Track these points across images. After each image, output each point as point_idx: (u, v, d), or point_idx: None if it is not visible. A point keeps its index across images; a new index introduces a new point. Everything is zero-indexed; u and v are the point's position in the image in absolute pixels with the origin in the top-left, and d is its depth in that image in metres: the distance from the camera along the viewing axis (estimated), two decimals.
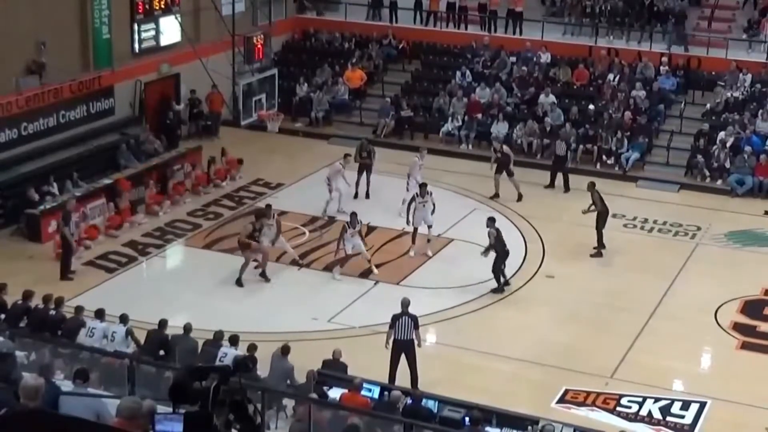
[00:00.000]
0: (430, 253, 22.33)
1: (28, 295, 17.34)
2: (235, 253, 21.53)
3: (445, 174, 26.80)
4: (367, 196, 25.47)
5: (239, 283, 20.77)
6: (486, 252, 20.54)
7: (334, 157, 25.99)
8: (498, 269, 20.58)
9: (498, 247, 20.48)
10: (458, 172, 27.21)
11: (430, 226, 22.45)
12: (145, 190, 24.46)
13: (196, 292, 20.46)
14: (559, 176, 26.28)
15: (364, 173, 25.51)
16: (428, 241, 22.47)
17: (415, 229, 22.37)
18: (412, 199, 22.60)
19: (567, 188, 26.23)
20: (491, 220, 20.90)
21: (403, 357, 16.92)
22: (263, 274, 21.08)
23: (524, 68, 30.65)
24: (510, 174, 25.43)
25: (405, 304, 17.26)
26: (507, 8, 32.21)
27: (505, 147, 25.84)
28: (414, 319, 17.06)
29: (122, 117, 26.98)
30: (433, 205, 22.54)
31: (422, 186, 22.72)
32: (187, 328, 16.74)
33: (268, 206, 22.29)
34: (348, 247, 21.24)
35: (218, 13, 28.84)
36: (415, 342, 16.98)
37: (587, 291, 20.95)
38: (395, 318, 17.03)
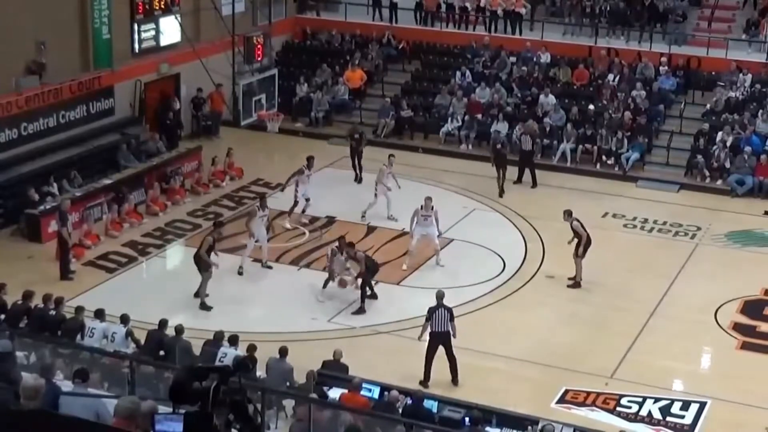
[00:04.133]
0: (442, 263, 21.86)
1: (28, 295, 17.33)
2: (235, 253, 21.53)
3: (445, 174, 26.82)
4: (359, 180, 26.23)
5: (203, 306, 19.61)
6: None
7: (335, 157, 26.03)
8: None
9: None
10: (458, 172, 27.20)
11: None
12: (147, 192, 24.48)
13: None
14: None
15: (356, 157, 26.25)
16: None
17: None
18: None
19: (534, 183, 26.36)
20: None
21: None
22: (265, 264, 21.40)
23: (524, 68, 30.66)
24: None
25: (440, 296, 17.46)
26: (511, 9, 32.22)
27: (575, 223, 21.01)
28: (449, 310, 17.29)
29: (122, 117, 26.97)
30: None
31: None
32: (179, 330, 16.69)
33: (312, 155, 22.58)
34: (256, 233, 21.21)
35: (218, 13, 28.82)
36: (451, 333, 17.16)
37: (587, 291, 20.93)
38: (432, 310, 17.18)
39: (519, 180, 26.53)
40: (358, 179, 26.23)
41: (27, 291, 17.43)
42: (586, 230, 20.83)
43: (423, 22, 33.33)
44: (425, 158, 27.89)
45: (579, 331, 19.41)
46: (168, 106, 28.28)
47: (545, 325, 19.64)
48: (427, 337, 17.32)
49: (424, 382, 17.15)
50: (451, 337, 17.18)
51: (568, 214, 21.13)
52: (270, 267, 21.49)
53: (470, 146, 28.94)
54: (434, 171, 26.95)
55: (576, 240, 20.83)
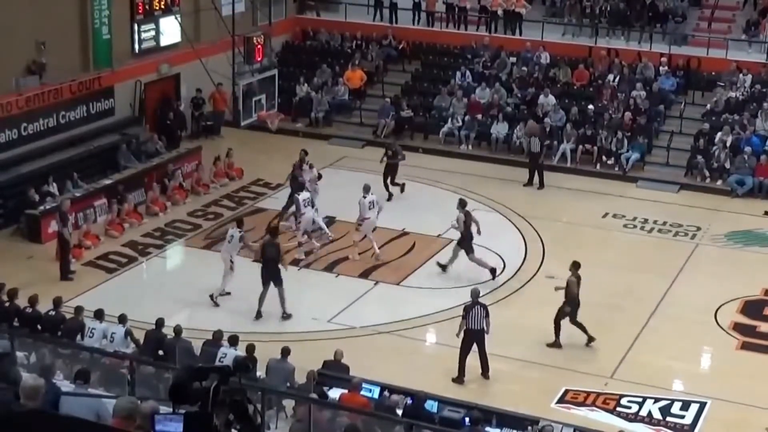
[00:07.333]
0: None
1: (12, 294, 17.25)
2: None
3: (445, 174, 26.81)
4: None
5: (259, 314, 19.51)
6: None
7: (334, 157, 26.02)
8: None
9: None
10: (458, 172, 27.18)
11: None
12: (147, 192, 24.49)
13: (196, 292, 20.41)
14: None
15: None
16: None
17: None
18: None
19: (542, 185, 26.32)
20: None
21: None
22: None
23: (524, 68, 30.65)
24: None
25: (475, 293, 17.69)
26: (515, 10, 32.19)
27: (571, 279, 18.82)
28: (485, 308, 17.46)
29: (122, 117, 26.98)
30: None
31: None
32: (178, 331, 16.69)
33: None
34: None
35: (218, 14, 28.78)
36: (485, 330, 17.30)
37: (587, 291, 20.82)
38: (468, 308, 17.36)
39: (530, 182, 26.49)
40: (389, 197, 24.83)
41: (11, 290, 17.34)
42: (578, 292, 18.70)
43: (420, 22, 33.34)
44: (425, 158, 27.87)
45: (579, 331, 19.39)
46: (168, 107, 28.28)
47: (545, 325, 19.58)
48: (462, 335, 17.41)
49: (459, 378, 17.27)
50: (485, 335, 17.32)
51: (575, 266, 18.83)
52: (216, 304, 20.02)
53: (470, 146, 28.93)
54: (434, 171, 26.94)
55: (563, 292, 18.80)
